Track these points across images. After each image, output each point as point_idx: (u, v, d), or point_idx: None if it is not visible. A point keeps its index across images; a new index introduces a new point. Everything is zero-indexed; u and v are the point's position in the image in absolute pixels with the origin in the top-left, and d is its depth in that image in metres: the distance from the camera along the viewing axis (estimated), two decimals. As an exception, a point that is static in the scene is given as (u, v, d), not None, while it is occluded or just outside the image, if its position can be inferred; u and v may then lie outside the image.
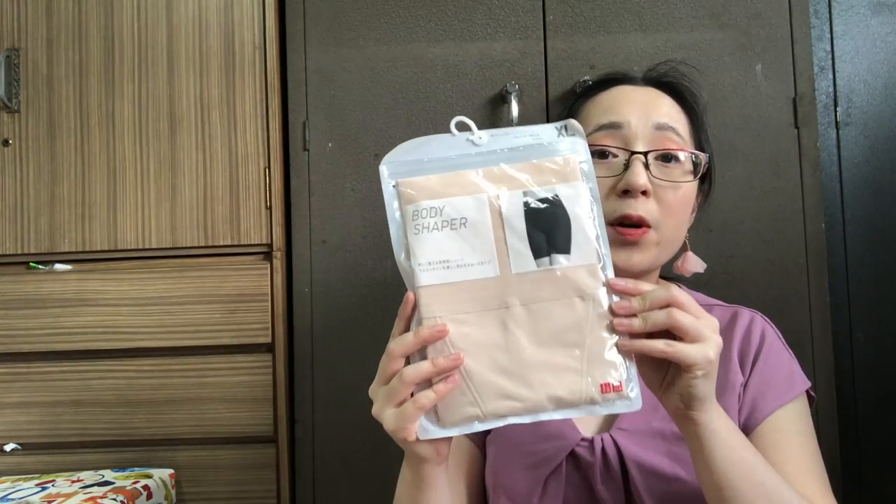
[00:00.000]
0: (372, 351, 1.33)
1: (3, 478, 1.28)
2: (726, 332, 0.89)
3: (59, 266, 1.35)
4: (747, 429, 0.84)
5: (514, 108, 1.29)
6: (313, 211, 1.34)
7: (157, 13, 1.36)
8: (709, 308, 0.91)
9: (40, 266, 1.35)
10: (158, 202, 1.34)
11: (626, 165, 0.82)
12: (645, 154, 0.82)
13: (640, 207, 0.81)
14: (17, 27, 1.37)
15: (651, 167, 0.82)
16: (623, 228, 0.82)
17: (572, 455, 0.82)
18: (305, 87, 1.36)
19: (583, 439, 0.82)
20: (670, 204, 0.83)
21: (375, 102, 1.35)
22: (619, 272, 0.83)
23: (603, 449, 0.81)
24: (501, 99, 1.33)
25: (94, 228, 1.35)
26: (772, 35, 1.33)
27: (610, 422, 0.84)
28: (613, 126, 0.84)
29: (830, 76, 1.43)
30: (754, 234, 1.31)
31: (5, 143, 1.36)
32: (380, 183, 0.73)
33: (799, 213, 1.31)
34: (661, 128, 0.84)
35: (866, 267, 1.41)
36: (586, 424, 0.85)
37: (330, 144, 1.35)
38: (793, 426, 0.84)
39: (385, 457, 1.30)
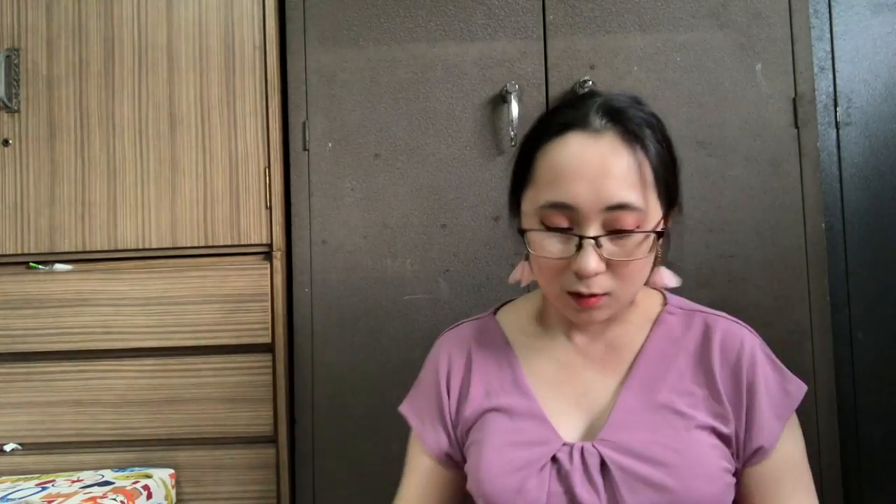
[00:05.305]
0: (372, 351, 1.33)
1: (3, 478, 1.28)
2: (704, 343, 0.87)
3: (59, 266, 1.35)
4: (756, 454, 0.83)
5: (514, 108, 1.29)
6: (313, 211, 1.34)
7: (157, 13, 1.36)
8: (691, 313, 0.90)
9: (40, 266, 1.35)
10: (158, 202, 1.34)
11: (579, 246, 0.78)
12: (596, 238, 0.78)
13: (595, 285, 0.78)
14: (17, 27, 1.37)
15: (603, 247, 0.78)
16: (579, 298, 0.79)
17: (554, 460, 0.81)
18: (305, 87, 1.36)
19: (564, 444, 0.82)
20: (625, 273, 0.80)
21: (375, 102, 1.35)
22: (582, 326, 0.88)
23: (583, 455, 0.81)
24: (501, 99, 1.33)
25: (94, 228, 1.35)
26: (772, 35, 1.33)
27: (592, 432, 0.84)
28: (564, 206, 0.78)
29: (830, 76, 1.43)
30: (754, 234, 1.31)
31: (5, 143, 1.36)
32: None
33: (799, 213, 1.31)
34: (613, 208, 0.77)
35: (866, 267, 1.41)
36: (569, 431, 0.84)
37: (330, 144, 1.35)
38: (790, 453, 0.84)
39: (385, 457, 1.30)
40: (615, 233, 0.78)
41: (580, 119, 0.80)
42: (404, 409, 0.97)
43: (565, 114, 0.82)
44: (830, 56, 1.43)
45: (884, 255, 1.41)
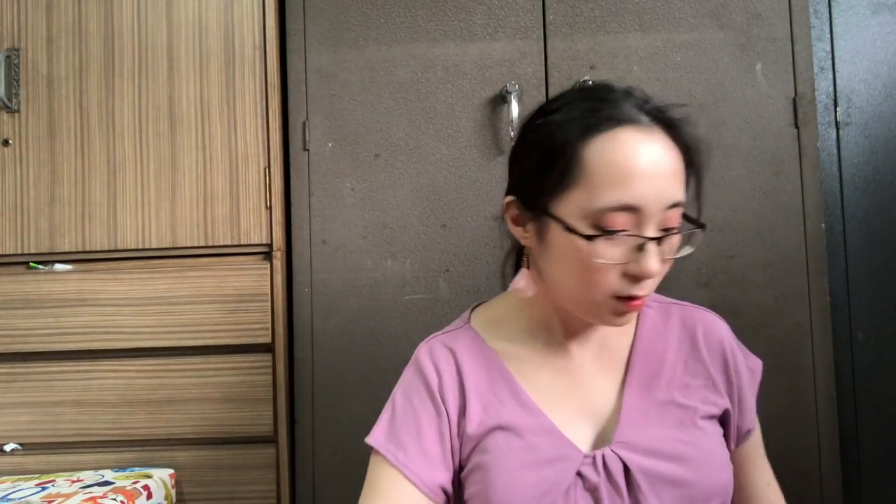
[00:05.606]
0: (372, 350, 1.33)
1: (3, 478, 1.28)
2: (688, 336, 0.88)
3: (59, 266, 1.35)
4: (744, 434, 0.88)
5: (514, 108, 1.29)
6: (313, 211, 1.34)
7: (157, 13, 1.36)
8: (667, 305, 0.91)
9: (40, 266, 1.35)
10: (158, 202, 1.34)
11: (640, 248, 0.75)
12: (659, 238, 0.76)
13: (647, 286, 0.77)
14: (17, 27, 1.37)
15: (660, 246, 0.76)
16: (627, 302, 0.77)
17: (578, 475, 0.78)
18: (305, 87, 1.36)
19: (585, 456, 0.79)
20: (664, 270, 0.79)
21: (375, 102, 1.35)
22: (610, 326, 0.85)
23: (605, 464, 0.78)
24: (501, 99, 1.33)
25: (94, 228, 1.35)
26: (772, 35, 1.33)
27: (603, 436, 0.82)
28: (630, 209, 0.74)
29: (830, 76, 1.43)
30: (754, 234, 1.31)
31: (5, 143, 1.36)
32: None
33: (799, 213, 1.31)
34: (672, 206, 0.75)
35: (866, 267, 1.41)
36: (581, 441, 0.81)
37: (330, 144, 1.35)
38: (758, 430, 0.91)
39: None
40: (669, 231, 0.76)
41: (626, 113, 0.76)
42: (378, 440, 0.83)
43: (603, 107, 0.77)
44: (830, 56, 1.43)
45: (884, 255, 1.41)
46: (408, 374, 0.88)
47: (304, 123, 1.35)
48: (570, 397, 0.84)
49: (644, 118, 0.76)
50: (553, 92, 1.33)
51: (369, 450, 0.84)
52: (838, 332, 1.39)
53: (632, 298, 0.76)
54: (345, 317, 1.33)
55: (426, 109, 1.35)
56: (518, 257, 0.94)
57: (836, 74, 1.43)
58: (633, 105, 0.77)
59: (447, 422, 0.83)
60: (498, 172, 1.34)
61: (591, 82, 1.32)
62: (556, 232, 0.77)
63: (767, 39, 1.33)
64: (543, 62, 1.34)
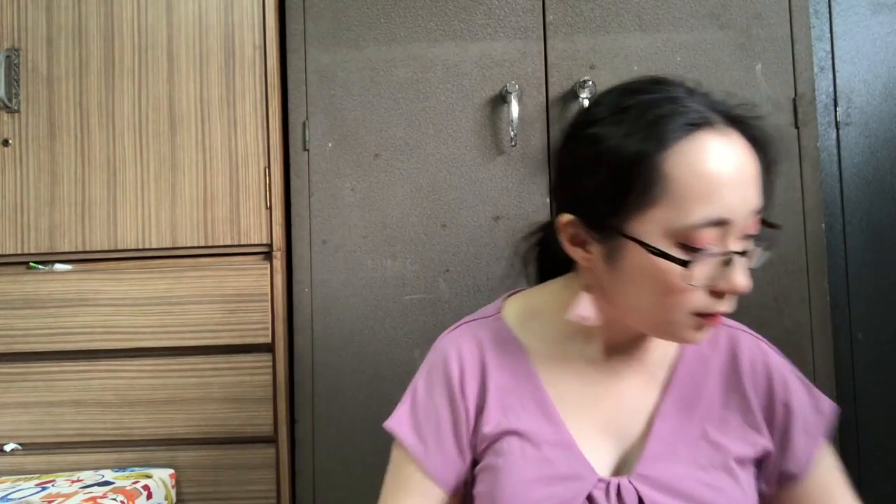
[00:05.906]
0: (372, 351, 1.33)
1: (3, 478, 1.28)
2: (732, 365, 0.82)
3: (59, 266, 1.35)
4: (786, 478, 0.80)
5: (514, 108, 1.29)
6: (313, 211, 1.34)
7: (157, 13, 1.36)
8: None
9: (40, 266, 1.35)
10: (158, 202, 1.34)
11: (727, 262, 0.69)
12: (746, 251, 0.71)
13: (731, 300, 0.72)
14: (17, 27, 1.37)
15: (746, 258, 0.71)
16: (709, 317, 0.72)
17: (588, 498, 0.74)
18: (305, 87, 1.36)
19: (600, 480, 0.75)
20: None
21: (375, 102, 1.35)
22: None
23: (619, 493, 0.74)
24: (501, 99, 1.33)
25: (94, 228, 1.35)
26: (772, 35, 1.33)
27: (626, 462, 0.77)
28: (720, 223, 0.68)
29: (830, 76, 1.43)
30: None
31: (5, 143, 1.36)
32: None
33: (799, 213, 1.31)
34: (755, 212, 0.70)
35: (866, 267, 1.41)
36: (599, 463, 0.77)
37: (330, 144, 1.35)
38: (831, 463, 0.81)
39: (385, 457, 1.30)
40: (751, 240, 0.71)
41: (699, 115, 0.69)
42: (401, 429, 0.82)
43: (671, 109, 0.69)
44: (830, 56, 1.43)
45: (884, 254, 1.41)
46: (431, 360, 0.84)
47: (304, 123, 1.36)
48: (598, 412, 0.79)
49: (717, 118, 0.70)
50: (553, 92, 1.33)
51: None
52: (838, 332, 1.39)
53: (712, 315, 0.72)
54: (345, 317, 1.33)
55: (426, 109, 1.35)
56: (543, 257, 0.89)
57: (836, 74, 1.43)
58: (703, 104, 0.70)
59: (465, 419, 0.80)
60: (498, 172, 1.34)
61: (591, 82, 1.32)
62: (633, 253, 0.70)
63: (767, 39, 1.33)
64: (543, 62, 1.34)
